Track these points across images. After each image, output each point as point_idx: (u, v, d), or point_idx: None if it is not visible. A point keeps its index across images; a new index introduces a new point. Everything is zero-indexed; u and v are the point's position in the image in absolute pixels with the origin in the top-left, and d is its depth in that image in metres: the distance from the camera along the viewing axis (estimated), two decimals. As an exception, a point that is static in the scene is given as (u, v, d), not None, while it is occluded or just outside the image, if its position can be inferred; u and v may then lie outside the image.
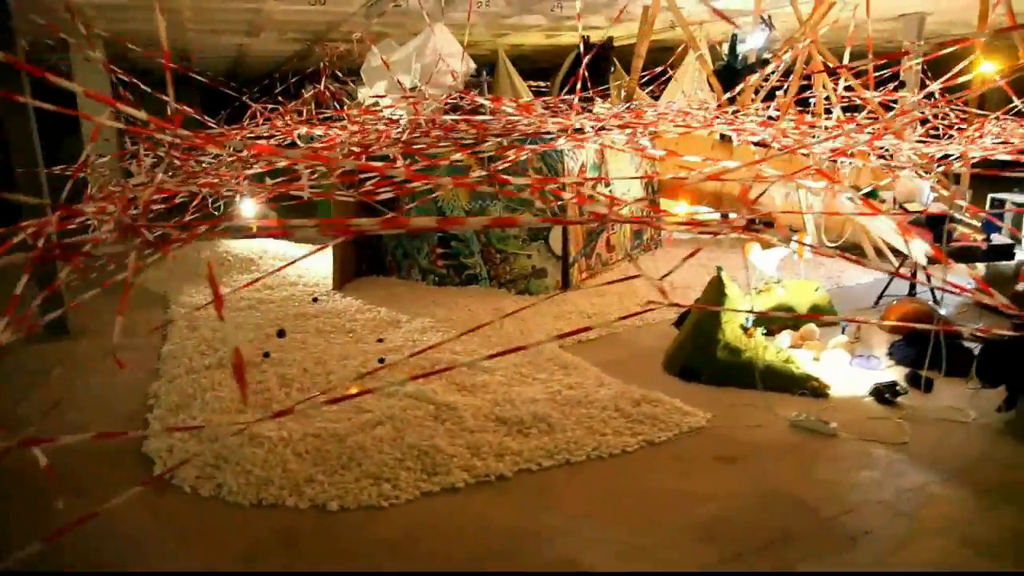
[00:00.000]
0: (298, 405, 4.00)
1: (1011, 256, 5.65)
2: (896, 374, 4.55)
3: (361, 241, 6.74)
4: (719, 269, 4.75)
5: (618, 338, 5.43)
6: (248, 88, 6.83)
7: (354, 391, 4.19)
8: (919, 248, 4.94)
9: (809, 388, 4.33)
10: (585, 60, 5.95)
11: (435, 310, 5.74)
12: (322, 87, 6.09)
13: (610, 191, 6.66)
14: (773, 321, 5.16)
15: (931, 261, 5.24)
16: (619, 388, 4.25)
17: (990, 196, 8.00)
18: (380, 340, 5.10)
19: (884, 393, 4.22)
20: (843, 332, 5.16)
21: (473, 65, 6.69)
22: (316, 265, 6.87)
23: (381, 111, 5.66)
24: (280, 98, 6.16)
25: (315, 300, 5.92)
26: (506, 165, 4.27)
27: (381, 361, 4.47)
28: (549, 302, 5.85)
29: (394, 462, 3.50)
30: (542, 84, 9.45)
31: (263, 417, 3.65)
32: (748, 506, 3.22)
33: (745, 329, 4.57)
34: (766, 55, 6.98)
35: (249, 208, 4.97)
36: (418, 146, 4.66)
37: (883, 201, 5.78)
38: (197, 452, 3.59)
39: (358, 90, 7.11)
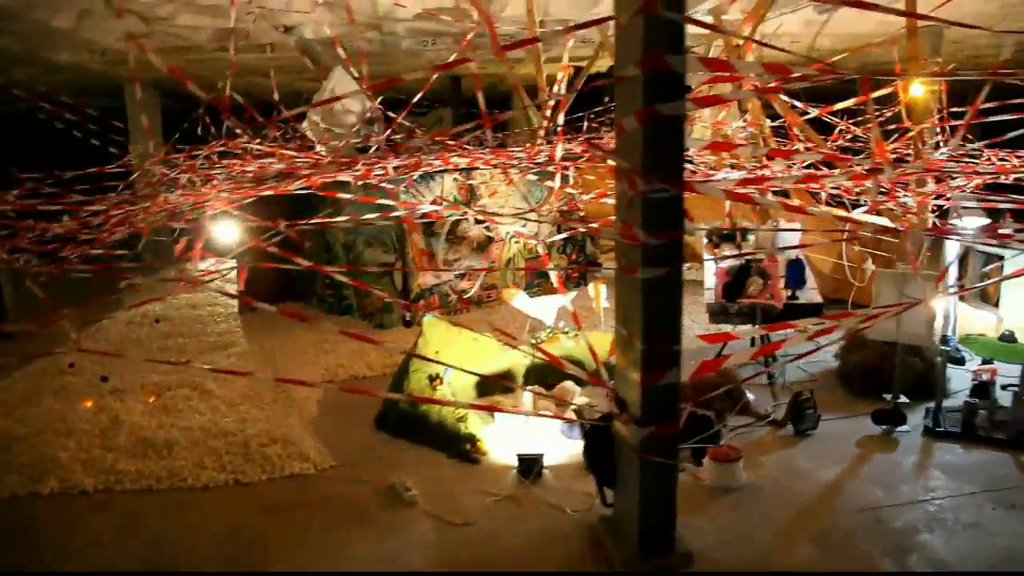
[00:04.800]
0: None
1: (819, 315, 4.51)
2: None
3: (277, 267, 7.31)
4: (419, 316, 4.53)
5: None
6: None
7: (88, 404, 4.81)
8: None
9: (463, 451, 3.98)
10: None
11: (268, 339, 6.11)
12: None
13: (485, 228, 6.50)
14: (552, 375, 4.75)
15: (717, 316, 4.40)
16: (270, 427, 4.30)
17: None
18: (188, 361, 5.61)
19: (520, 468, 3.74)
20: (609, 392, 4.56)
21: (370, 104, 6.95)
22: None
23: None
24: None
25: (157, 321, 6.61)
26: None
27: (104, 380, 4.98)
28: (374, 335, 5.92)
29: (19, 465, 3.99)
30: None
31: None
32: (203, 556, 3.18)
33: (432, 380, 4.31)
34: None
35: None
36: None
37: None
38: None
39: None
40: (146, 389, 4.94)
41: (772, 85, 2.80)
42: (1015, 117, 4.62)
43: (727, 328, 4.48)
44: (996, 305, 5.64)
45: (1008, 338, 5.25)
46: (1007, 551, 3.01)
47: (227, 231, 4.53)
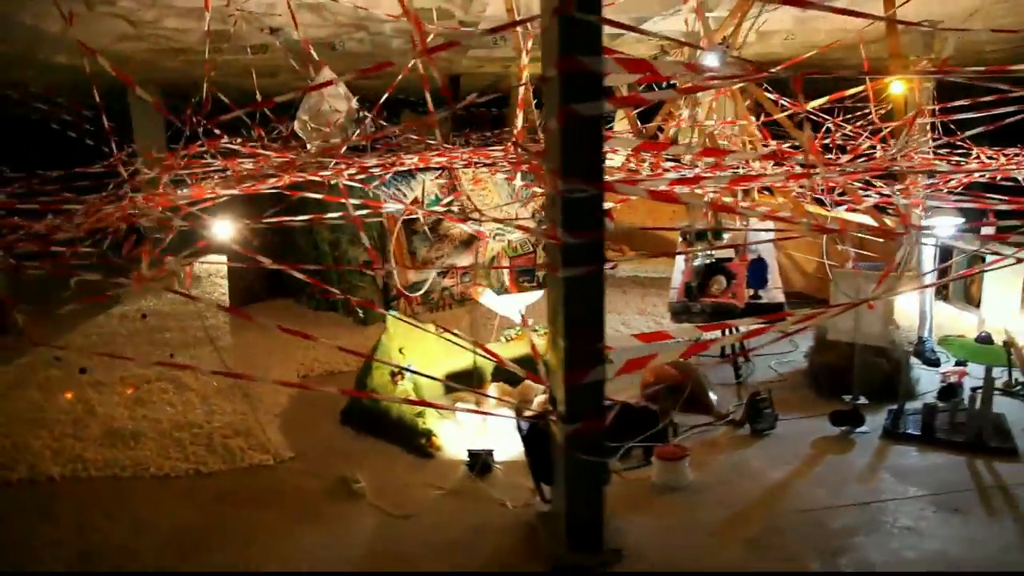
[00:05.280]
0: None
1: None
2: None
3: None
4: (382, 314, 4.60)
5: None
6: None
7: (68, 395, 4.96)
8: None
9: (418, 445, 4.04)
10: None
11: (253, 333, 6.20)
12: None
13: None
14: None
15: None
16: (236, 420, 4.41)
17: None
18: (171, 355, 5.76)
19: (471, 462, 3.79)
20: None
21: (355, 104, 7.03)
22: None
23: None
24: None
25: (144, 316, 6.76)
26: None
27: (82, 371, 5.12)
28: (349, 334, 6.03)
29: (-9, 454, 4.13)
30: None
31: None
32: (153, 540, 3.29)
33: (393, 376, 4.37)
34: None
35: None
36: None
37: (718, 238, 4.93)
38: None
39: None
40: (125, 382, 5.08)
41: (691, 85, 2.81)
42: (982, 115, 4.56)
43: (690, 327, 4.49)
44: (978, 306, 5.56)
45: (984, 339, 5.18)
46: (939, 554, 2.99)
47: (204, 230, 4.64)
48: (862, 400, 4.17)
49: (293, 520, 3.45)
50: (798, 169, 3.96)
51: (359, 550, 3.19)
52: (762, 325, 3.01)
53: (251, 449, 4.09)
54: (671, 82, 6.16)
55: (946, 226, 4.49)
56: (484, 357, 3.51)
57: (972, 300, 5.69)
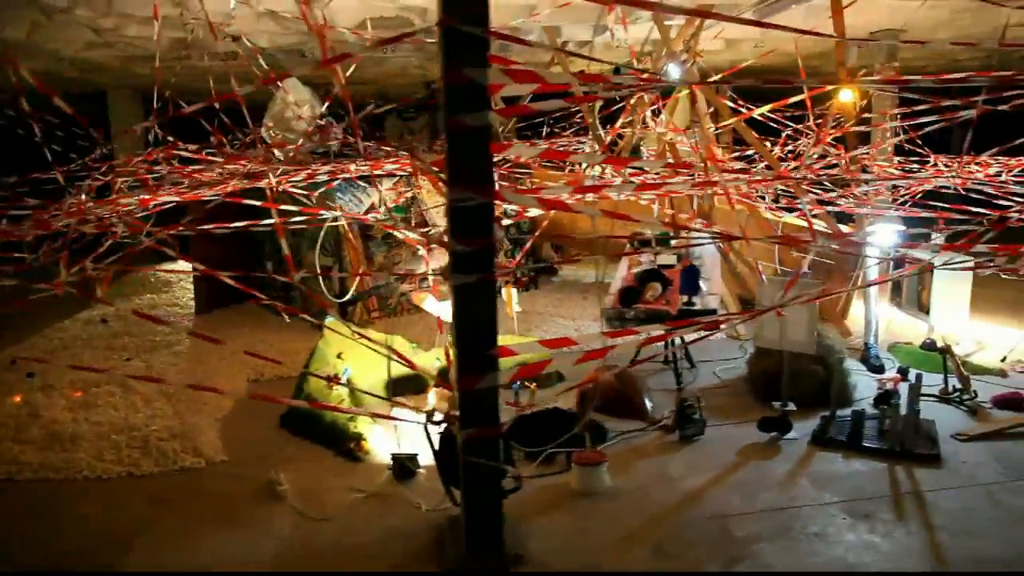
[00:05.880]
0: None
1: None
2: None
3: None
4: (321, 322, 4.65)
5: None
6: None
7: (16, 399, 5.03)
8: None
9: (347, 449, 4.08)
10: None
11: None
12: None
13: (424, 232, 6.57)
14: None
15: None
16: (174, 423, 4.46)
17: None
18: (128, 359, 5.83)
19: (396, 466, 3.83)
20: (516, 396, 4.62)
21: (320, 110, 7.11)
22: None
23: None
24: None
25: (104, 321, 6.83)
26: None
27: (30, 376, 5.19)
28: (304, 338, 6.08)
29: (-72, 455, 4.19)
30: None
31: None
32: (76, 535, 3.34)
33: (328, 380, 4.41)
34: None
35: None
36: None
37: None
38: None
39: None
40: (75, 385, 5.14)
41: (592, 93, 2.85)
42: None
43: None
44: (928, 313, 5.57)
45: (929, 347, 5.19)
46: (839, 560, 3.01)
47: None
48: (791, 407, 4.19)
49: (213, 521, 3.49)
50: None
51: (270, 551, 3.23)
52: (666, 331, 3.04)
53: (184, 452, 4.14)
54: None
55: (882, 234, 4.51)
56: (399, 363, 3.55)
57: (923, 307, 5.70)
